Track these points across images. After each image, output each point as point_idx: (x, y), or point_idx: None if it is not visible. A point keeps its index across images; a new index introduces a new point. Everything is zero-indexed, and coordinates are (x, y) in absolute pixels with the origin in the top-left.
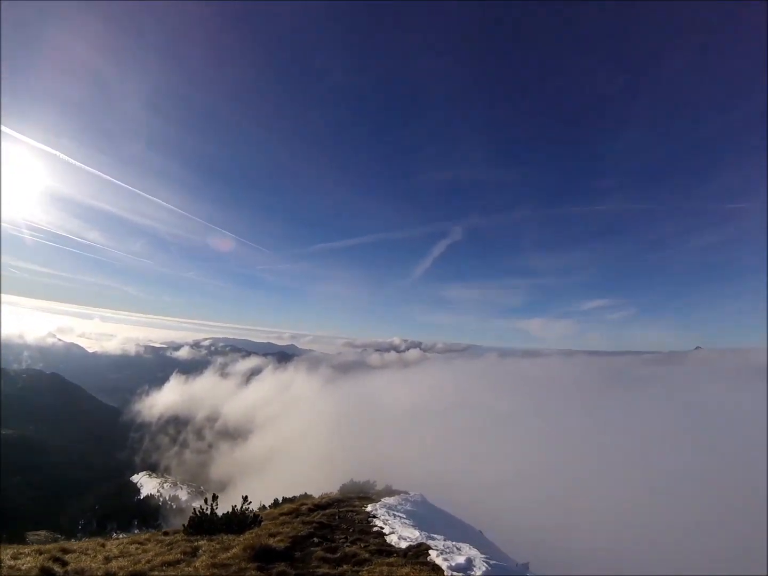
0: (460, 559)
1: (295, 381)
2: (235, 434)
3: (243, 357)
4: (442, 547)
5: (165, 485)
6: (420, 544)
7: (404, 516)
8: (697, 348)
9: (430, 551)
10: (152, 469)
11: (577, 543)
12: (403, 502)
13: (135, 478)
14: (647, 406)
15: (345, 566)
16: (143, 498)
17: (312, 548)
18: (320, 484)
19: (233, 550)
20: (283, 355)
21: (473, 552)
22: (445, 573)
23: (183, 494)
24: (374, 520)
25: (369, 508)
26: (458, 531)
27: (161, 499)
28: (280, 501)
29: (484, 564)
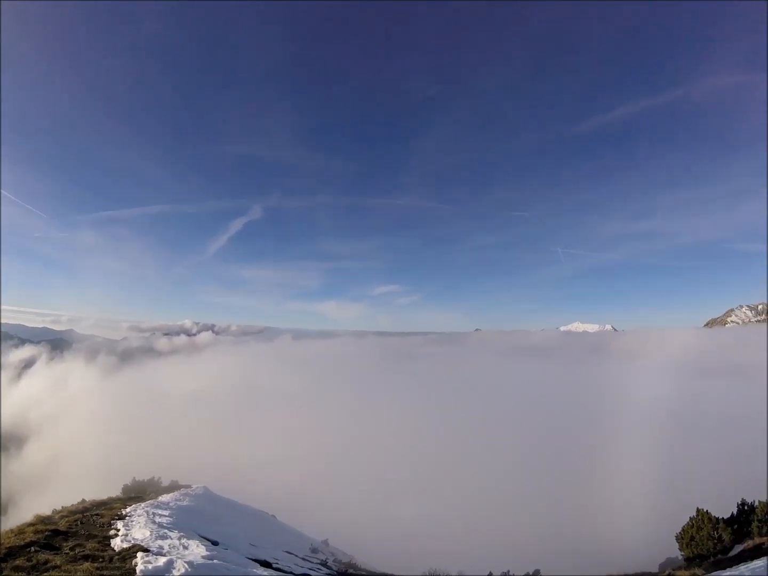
0: (160, 562)
1: (72, 372)
2: (7, 442)
3: (16, 346)
4: (167, 547)
5: None
6: (132, 546)
7: (167, 514)
8: (476, 330)
9: (139, 554)
10: None
11: (372, 513)
12: (180, 498)
13: None
14: (430, 380)
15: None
16: None
17: (17, 559)
18: (105, 487)
19: None
20: (59, 342)
21: (198, 550)
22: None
23: None
24: (118, 522)
25: (129, 509)
26: (237, 520)
27: None
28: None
29: (185, 566)
